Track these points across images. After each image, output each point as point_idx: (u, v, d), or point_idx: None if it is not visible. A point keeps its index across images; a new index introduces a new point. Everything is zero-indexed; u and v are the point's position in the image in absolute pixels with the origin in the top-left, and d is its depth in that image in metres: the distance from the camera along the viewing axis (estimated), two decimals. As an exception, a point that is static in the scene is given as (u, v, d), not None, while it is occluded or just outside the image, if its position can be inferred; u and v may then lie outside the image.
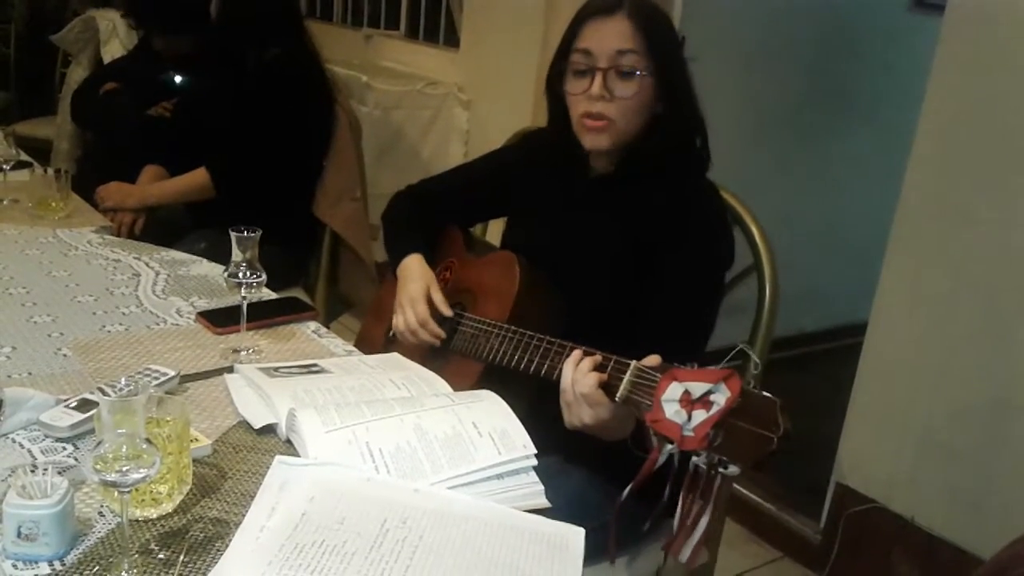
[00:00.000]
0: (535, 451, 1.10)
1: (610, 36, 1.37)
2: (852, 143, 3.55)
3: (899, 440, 2.17)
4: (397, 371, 1.34)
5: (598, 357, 1.19)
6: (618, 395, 1.13)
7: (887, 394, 2.20)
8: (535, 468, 1.10)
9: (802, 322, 3.53)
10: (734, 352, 1.09)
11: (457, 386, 1.31)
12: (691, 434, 0.98)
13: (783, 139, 3.37)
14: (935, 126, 2.07)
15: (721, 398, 0.98)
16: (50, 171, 2.08)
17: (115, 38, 3.54)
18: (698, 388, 1.00)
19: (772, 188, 3.26)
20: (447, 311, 1.48)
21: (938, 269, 2.07)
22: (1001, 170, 1.95)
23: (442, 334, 1.47)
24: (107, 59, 3.53)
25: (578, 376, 1.18)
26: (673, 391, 1.03)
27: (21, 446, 1.09)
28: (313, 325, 1.57)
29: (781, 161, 3.37)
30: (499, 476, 1.07)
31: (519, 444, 1.10)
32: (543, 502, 1.07)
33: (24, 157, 2.34)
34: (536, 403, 1.26)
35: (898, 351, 2.18)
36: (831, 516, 2.32)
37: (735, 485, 1.01)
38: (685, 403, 1.01)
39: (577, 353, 1.21)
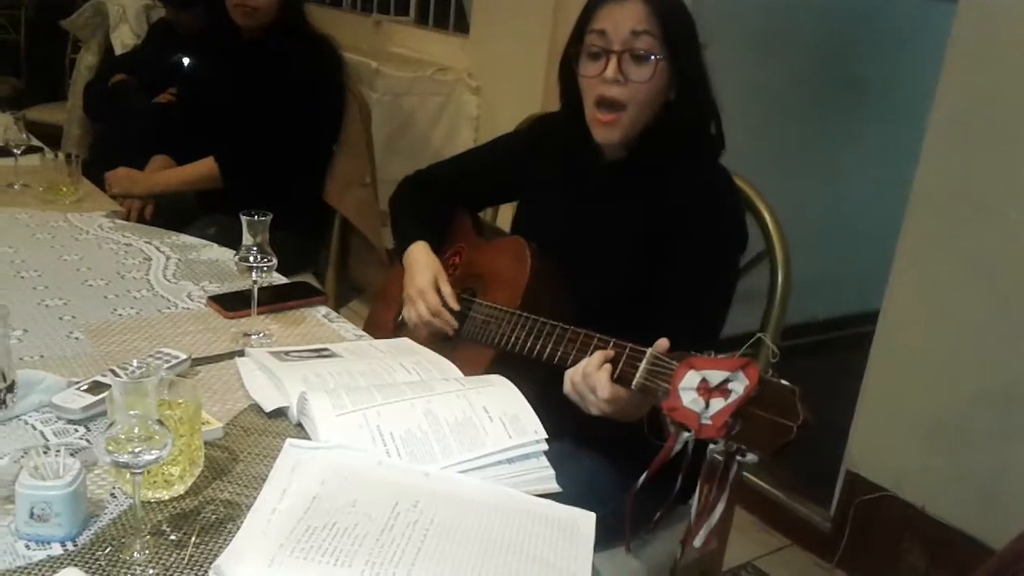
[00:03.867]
0: (546, 435, 1.10)
1: (625, 17, 1.36)
2: (864, 131, 3.52)
3: (910, 428, 2.16)
4: (407, 355, 1.34)
5: (610, 352, 1.18)
6: (634, 383, 1.13)
7: (898, 382, 2.20)
8: (546, 453, 1.10)
9: (813, 310, 3.52)
10: (751, 341, 1.09)
11: (468, 372, 1.30)
12: (709, 422, 0.98)
13: (795, 126, 3.34)
14: (948, 116, 2.06)
15: (739, 386, 0.97)
16: (61, 156, 2.08)
17: (125, 23, 3.54)
18: (716, 376, 1.00)
19: (783, 175, 3.23)
20: (455, 305, 1.48)
21: (950, 258, 2.06)
22: (1013, 160, 1.93)
23: (455, 323, 1.47)
24: (117, 44, 3.53)
25: (589, 369, 1.17)
26: (690, 379, 1.02)
27: (34, 428, 1.09)
28: (323, 310, 1.57)
29: (792, 148, 3.35)
30: (510, 460, 1.07)
31: (530, 428, 1.10)
32: (553, 486, 1.06)
33: (35, 142, 2.34)
34: (547, 388, 1.25)
35: (909, 339, 2.17)
36: (841, 504, 2.31)
37: (744, 472, 1.01)
38: (703, 391, 1.00)
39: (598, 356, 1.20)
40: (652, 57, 1.36)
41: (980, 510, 2.02)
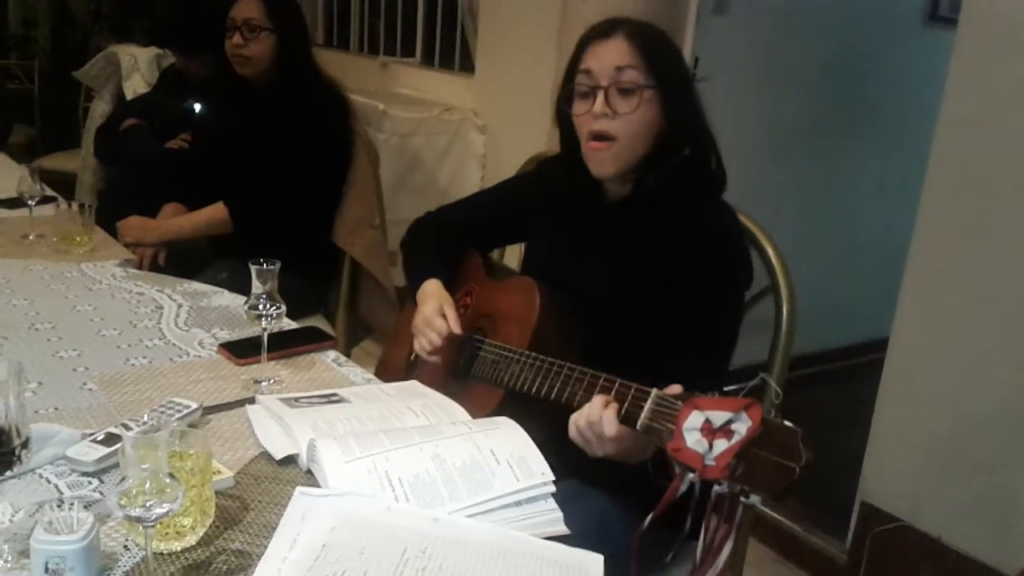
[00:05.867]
0: (553, 477, 1.11)
1: (608, 54, 1.41)
2: (872, 158, 3.54)
3: (924, 457, 2.15)
4: (415, 399, 1.35)
5: (611, 397, 1.19)
6: (639, 424, 1.14)
7: (910, 410, 2.19)
8: (554, 493, 1.11)
9: (825, 339, 3.51)
10: (754, 382, 1.09)
11: (478, 412, 1.31)
12: (713, 463, 0.99)
13: (802, 156, 3.36)
14: (950, 141, 2.07)
15: (742, 427, 0.98)
16: (74, 206, 2.12)
17: (136, 72, 3.61)
18: (719, 417, 1.00)
19: (793, 205, 3.27)
20: (457, 329, 1.49)
21: (957, 284, 2.06)
22: (1017, 185, 1.94)
23: (458, 329, 1.48)
24: (129, 93, 3.59)
25: (594, 416, 1.18)
26: (694, 420, 1.03)
27: (48, 481, 1.11)
28: (332, 354, 1.58)
29: (801, 178, 3.36)
30: (517, 503, 1.08)
31: (537, 471, 1.11)
32: (562, 528, 1.07)
33: (49, 192, 2.38)
34: (556, 427, 1.26)
35: (920, 367, 2.16)
36: (857, 535, 2.29)
37: (759, 506, 1.01)
38: (706, 432, 1.01)
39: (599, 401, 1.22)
40: (637, 88, 1.39)
41: (997, 539, 2.00)
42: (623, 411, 1.17)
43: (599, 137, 1.42)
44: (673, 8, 2.78)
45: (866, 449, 2.30)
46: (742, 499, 0.97)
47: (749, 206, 1.58)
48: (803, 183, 3.37)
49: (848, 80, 3.39)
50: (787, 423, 0.98)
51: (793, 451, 0.95)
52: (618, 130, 1.41)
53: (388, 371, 1.69)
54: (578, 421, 1.20)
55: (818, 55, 3.28)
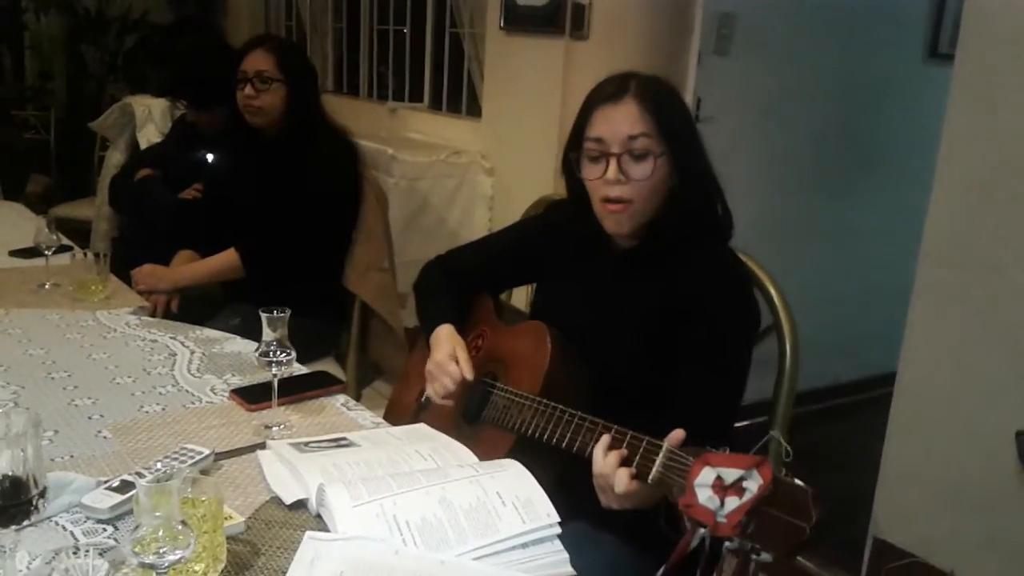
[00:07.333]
0: (559, 519, 1.12)
1: (620, 122, 1.40)
2: (880, 191, 3.57)
3: (935, 492, 2.15)
4: (423, 442, 1.37)
5: (624, 451, 1.21)
6: (650, 478, 1.16)
7: (920, 445, 2.19)
8: (565, 536, 1.12)
9: (836, 372, 3.51)
10: (764, 440, 1.11)
11: (490, 456, 1.33)
12: (724, 521, 0.99)
13: (807, 191, 3.40)
14: (951, 174, 2.09)
15: (753, 485, 0.99)
16: (90, 255, 2.15)
17: (151, 122, 3.68)
18: (730, 474, 1.02)
19: (799, 240, 3.29)
20: (469, 374, 1.51)
21: (963, 317, 2.07)
22: (1019, 215, 1.95)
23: (469, 374, 1.50)
24: (143, 143, 3.67)
25: (607, 470, 1.20)
26: (706, 476, 1.04)
27: (64, 528, 1.13)
28: (342, 398, 1.61)
29: (806, 213, 3.39)
30: (523, 545, 1.09)
31: (542, 512, 1.12)
32: (568, 571, 1.08)
33: (65, 242, 2.42)
34: (566, 470, 1.28)
35: (928, 401, 2.16)
36: (871, 572, 2.28)
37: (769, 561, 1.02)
38: (718, 489, 1.02)
39: (606, 439, 1.24)
40: (650, 155, 1.40)
41: (1011, 574, 1.99)
42: (634, 463, 1.19)
43: (615, 201, 1.43)
44: (675, 50, 2.83)
45: (877, 485, 2.30)
46: (753, 556, 0.98)
47: (755, 243, 1.60)
48: (808, 218, 3.40)
49: (850, 117, 3.43)
50: (798, 482, 0.99)
51: (803, 510, 0.96)
52: (632, 194, 1.41)
53: (397, 413, 1.71)
54: (594, 470, 1.23)
55: (819, 93, 3.32)
